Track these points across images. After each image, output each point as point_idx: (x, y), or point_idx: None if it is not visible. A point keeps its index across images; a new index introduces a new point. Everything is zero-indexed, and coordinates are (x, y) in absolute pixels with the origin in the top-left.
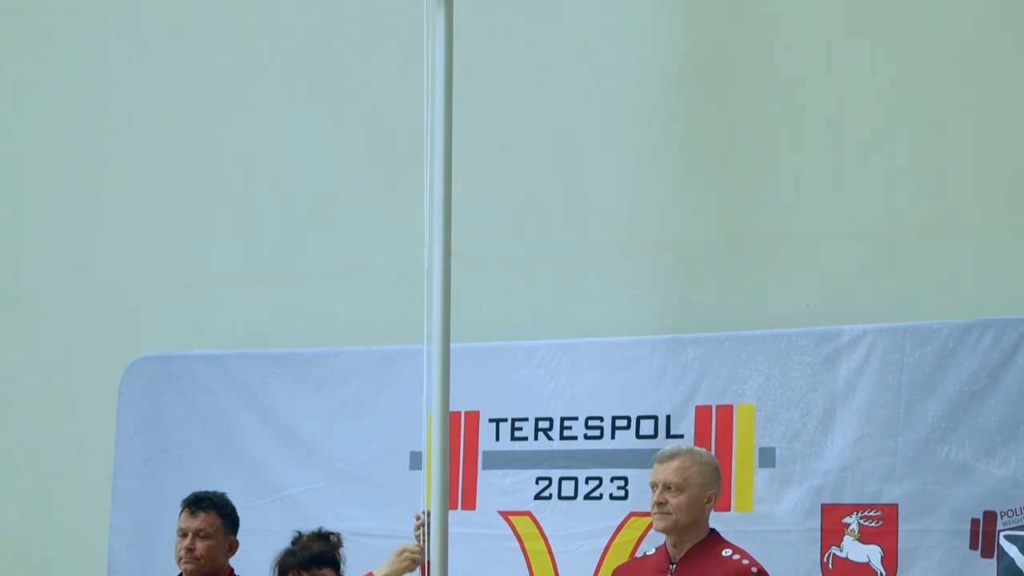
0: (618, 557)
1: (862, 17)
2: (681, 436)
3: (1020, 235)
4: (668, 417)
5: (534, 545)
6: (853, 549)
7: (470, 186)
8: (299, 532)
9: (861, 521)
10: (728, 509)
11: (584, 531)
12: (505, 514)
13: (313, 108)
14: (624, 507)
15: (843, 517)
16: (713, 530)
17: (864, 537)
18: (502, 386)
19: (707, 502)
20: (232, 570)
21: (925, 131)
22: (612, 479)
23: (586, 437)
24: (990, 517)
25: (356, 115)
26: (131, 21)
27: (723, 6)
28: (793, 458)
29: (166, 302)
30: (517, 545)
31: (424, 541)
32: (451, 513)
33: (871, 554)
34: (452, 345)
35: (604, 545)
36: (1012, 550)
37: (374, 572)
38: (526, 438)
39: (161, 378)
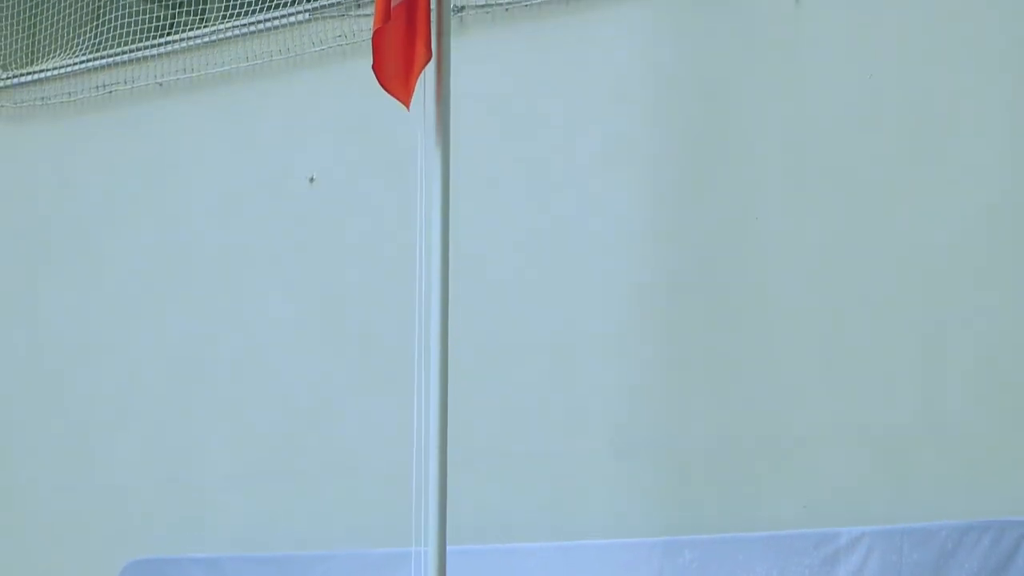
0: None
1: (856, 224)
2: None
3: (1017, 437)
4: None
5: None
6: None
7: (467, 388)
8: None
9: None
10: None
11: None
12: None
13: (309, 313)
14: None
15: None
16: None
17: None
18: None
19: None
20: None
21: (920, 335)
22: None
23: None
24: None
25: (352, 318)
26: (131, 232)
27: (716, 210)
28: None
29: (161, 504)
30: None
31: None
32: None
33: None
34: (448, 548)
35: None
36: None
37: None
38: None
39: None
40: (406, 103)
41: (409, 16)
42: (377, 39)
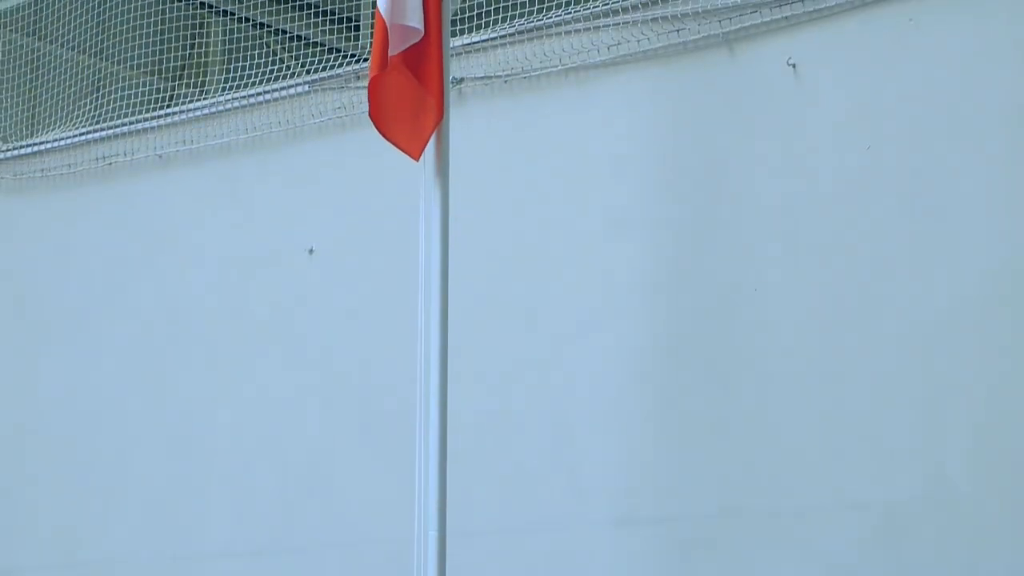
0: None
1: (855, 295)
2: None
3: (1017, 510)
4: None
5: None
6: None
7: (465, 458)
8: None
9: None
10: None
11: None
12: None
13: (308, 385)
14: None
15: None
16: None
17: None
18: None
19: None
20: None
21: (921, 408)
22: None
23: None
24: None
25: (351, 390)
26: (130, 303)
27: (715, 281)
28: None
29: None
30: None
31: None
32: None
33: None
34: None
35: None
36: None
37: None
38: None
39: None
40: (414, 155)
41: (417, 68)
42: (373, 87)
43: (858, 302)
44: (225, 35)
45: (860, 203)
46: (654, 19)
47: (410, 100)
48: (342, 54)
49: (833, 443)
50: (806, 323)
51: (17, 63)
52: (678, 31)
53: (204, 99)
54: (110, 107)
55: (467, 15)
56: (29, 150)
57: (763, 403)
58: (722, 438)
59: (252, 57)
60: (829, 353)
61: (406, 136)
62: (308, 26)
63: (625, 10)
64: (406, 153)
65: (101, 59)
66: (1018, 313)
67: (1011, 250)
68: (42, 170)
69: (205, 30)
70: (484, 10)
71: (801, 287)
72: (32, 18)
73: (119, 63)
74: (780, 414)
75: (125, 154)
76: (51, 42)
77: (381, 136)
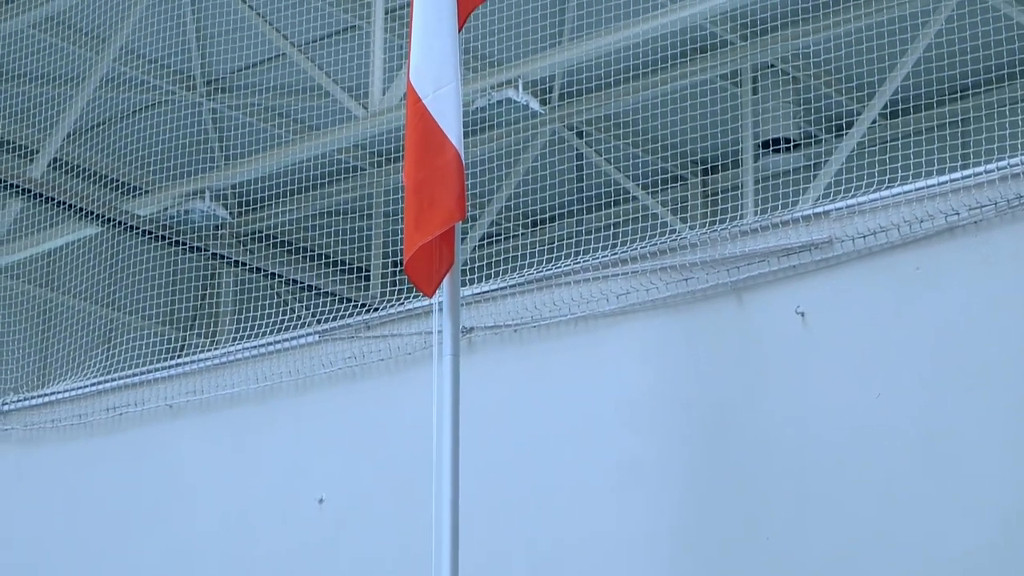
0: None
1: (866, 542)
2: None
3: None
4: None
5: None
6: None
7: None
8: None
9: None
10: None
11: None
12: None
13: None
14: None
15: None
16: None
17: None
18: None
19: None
20: None
21: None
22: None
23: None
24: None
25: None
26: (139, 553)
27: (727, 530)
28: None
29: None
30: None
31: None
32: None
33: None
34: None
35: None
36: None
37: None
38: None
39: None
40: (429, 292)
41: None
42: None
43: (869, 548)
44: (236, 285)
45: (871, 452)
46: (663, 268)
47: (436, 247)
48: (352, 304)
49: None
50: (818, 571)
51: (28, 314)
52: (687, 280)
53: (214, 349)
54: (120, 357)
55: (477, 265)
56: (39, 400)
57: None
58: None
59: (263, 307)
60: None
61: (427, 279)
62: (319, 276)
63: (634, 259)
64: (423, 292)
65: (112, 309)
66: None
67: (1022, 497)
68: (52, 420)
69: (217, 280)
70: (494, 260)
71: (812, 535)
72: (44, 269)
73: (130, 313)
74: None
75: (135, 404)
76: (63, 293)
77: (409, 278)
